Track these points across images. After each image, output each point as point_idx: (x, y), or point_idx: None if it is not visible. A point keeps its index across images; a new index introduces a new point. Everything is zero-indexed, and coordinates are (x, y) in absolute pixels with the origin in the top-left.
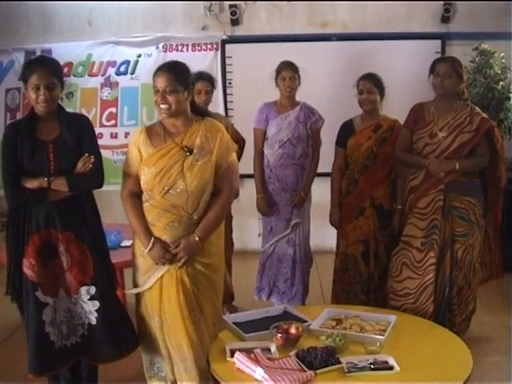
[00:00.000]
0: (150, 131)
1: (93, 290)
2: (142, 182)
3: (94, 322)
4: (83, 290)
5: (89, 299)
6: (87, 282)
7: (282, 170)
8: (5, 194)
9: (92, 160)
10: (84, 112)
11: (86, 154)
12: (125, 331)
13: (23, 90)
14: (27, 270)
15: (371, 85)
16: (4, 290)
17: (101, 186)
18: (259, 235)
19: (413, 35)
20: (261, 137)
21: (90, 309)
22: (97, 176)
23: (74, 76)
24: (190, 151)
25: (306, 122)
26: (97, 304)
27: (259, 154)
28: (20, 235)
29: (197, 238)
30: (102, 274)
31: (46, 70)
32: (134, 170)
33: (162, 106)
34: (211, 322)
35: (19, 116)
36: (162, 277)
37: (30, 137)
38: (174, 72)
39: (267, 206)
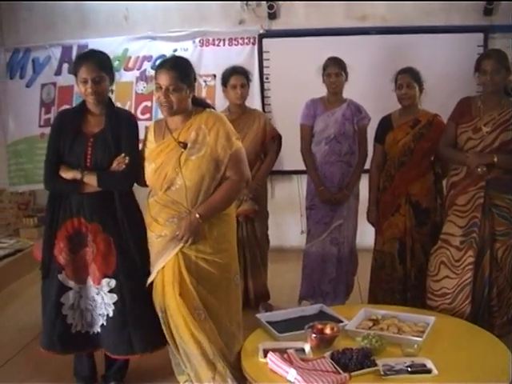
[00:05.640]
0: (156, 126)
1: (113, 283)
2: (145, 178)
3: (111, 314)
4: (104, 281)
5: (108, 291)
6: (109, 274)
7: (328, 167)
8: (43, 179)
9: (126, 161)
10: (118, 105)
11: (123, 155)
12: (140, 330)
13: (58, 85)
14: (56, 253)
15: (410, 79)
16: (37, 288)
17: (130, 188)
18: (302, 233)
19: (454, 28)
20: (308, 133)
21: (109, 301)
22: (126, 178)
23: None
24: (185, 146)
25: (353, 119)
26: (115, 297)
27: (308, 151)
28: (55, 220)
29: (197, 215)
30: (124, 269)
31: (93, 63)
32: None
33: (164, 104)
34: (227, 319)
35: (54, 110)
36: (164, 272)
37: (74, 128)
38: (178, 70)
39: (331, 194)
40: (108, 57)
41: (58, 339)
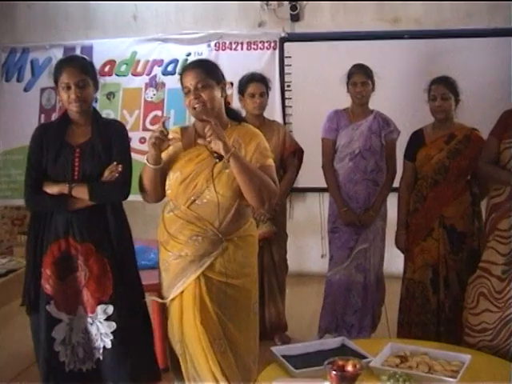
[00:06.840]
0: (184, 131)
1: (110, 309)
2: (166, 188)
3: (109, 345)
4: (100, 309)
5: (105, 319)
6: (105, 300)
7: (352, 186)
8: (24, 197)
9: (119, 169)
10: (126, 114)
11: (115, 163)
12: (144, 360)
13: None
14: (43, 281)
15: (446, 90)
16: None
17: (125, 198)
18: (322, 256)
19: (496, 32)
20: (331, 147)
21: (106, 330)
22: (121, 187)
23: (117, 75)
24: (220, 157)
25: (380, 133)
26: (113, 326)
27: (330, 167)
28: (39, 243)
29: (233, 149)
30: (122, 293)
31: (76, 67)
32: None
33: (197, 106)
34: (244, 350)
35: (54, 117)
36: (182, 297)
37: (58, 139)
38: (203, 66)
39: (356, 216)
40: (91, 62)
41: (55, 381)
